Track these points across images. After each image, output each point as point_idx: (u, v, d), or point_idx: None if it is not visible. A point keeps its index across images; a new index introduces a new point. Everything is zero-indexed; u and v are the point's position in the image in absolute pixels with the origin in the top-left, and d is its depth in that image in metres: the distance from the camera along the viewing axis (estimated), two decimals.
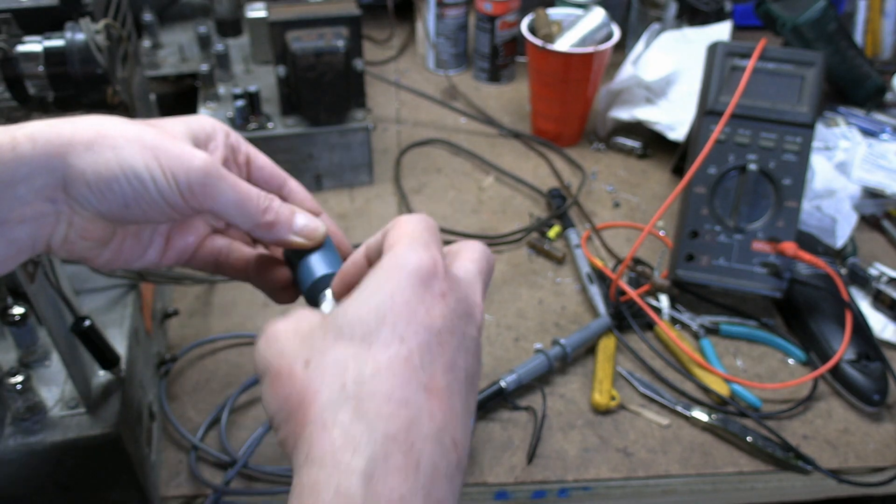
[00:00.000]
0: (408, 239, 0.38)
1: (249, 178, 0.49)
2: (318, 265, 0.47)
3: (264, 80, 1.06)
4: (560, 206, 1.00)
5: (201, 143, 0.45)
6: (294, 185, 0.51)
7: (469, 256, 0.42)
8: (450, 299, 0.37)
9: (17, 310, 0.59)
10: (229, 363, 0.80)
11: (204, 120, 0.46)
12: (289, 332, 0.39)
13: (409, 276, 0.36)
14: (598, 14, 1.07)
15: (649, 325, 0.85)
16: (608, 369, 0.79)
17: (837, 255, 0.93)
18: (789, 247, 0.81)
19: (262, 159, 0.49)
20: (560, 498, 0.73)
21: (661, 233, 0.98)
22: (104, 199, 0.40)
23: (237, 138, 0.48)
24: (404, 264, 0.37)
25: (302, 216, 0.46)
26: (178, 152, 0.41)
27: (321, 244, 0.47)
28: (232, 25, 1.15)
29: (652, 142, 1.11)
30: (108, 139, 0.40)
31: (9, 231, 0.39)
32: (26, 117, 0.42)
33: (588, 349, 0.83)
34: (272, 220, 0.44)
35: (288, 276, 0.49)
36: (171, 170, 0.40)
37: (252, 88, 0.96)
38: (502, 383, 0.76)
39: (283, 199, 0.49)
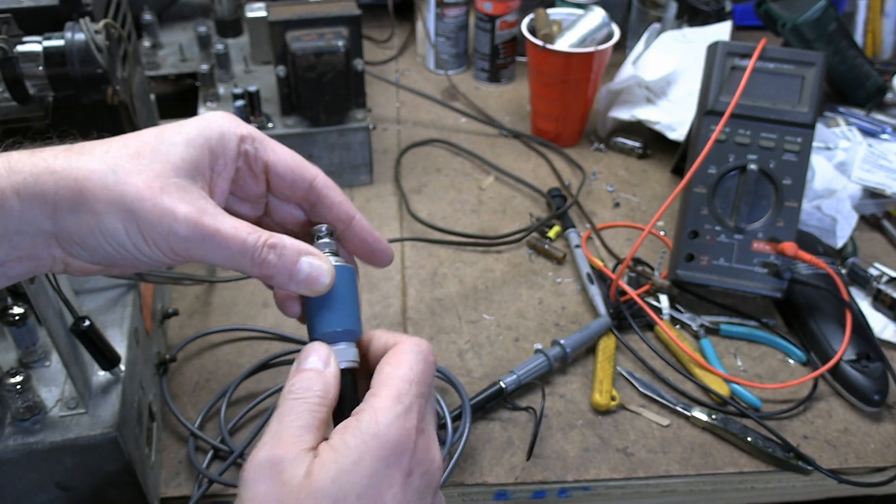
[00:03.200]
0: (394, 396, 0.40)
1: (269, 188, 0.46)
2: (323, 320, 0.44)
3: (264, 80, 1.06)
4: (560, 206, 1.00)
5: (205, 168, 0.42)
6: (322, 184, 0.47)
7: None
8: (416, 476, 0.39)
9: (17, 310, 0.59)
10: (229, 363, 0.80)
11: (213, 129, 0.43)
12: (265, 472, 0.39)
13: (379, 449, 0.38)
14: (598, 14, 1.07)
15: (649, 325, 0.85)
16: (608, 369, 0.79)
17: (837, 255, 0.93)
18: (789, 247, 0.81)
19: (282, 165, 0.45)
20: (560, 498, 0.73)
21: (661, 233, 0.97)
22: (95, 255, 0.40)
23: (255, 142, 0.44)
24: (379, 434, 0.39)
25: (307, 262, 0.42)
26: (159, 215, 0.39)
27: (328, 290, 0.44)
28: (232, 25, 1.15)
29: (652, 142, 1.11)
30: (88, 202, 0.38)
31: (8, 269, 0.40)
32: (13, 146, 0.41)
33: (588, 349, 0.83)
34: (269, 273, 0.41)
35: (298, 308, 0.48)
36: (152, 237, 0.39)
37: (252, 88, 0.96)
38: (502, 383, 0.76)
39: (310, 202, 0.47)
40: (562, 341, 0.80)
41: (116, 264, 0.41)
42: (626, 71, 1.08)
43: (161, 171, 0.40)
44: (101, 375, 0.61)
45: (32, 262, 0.40)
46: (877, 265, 0.88)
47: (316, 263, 0.42)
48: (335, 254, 0.46)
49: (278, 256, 0.41)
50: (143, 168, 0.39)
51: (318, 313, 0.44)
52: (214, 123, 0.43)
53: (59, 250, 0.40)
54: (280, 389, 0.75)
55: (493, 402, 0.76)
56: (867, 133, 1.09)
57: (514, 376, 0.77)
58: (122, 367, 0.61)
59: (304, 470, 0.38)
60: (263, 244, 0.41)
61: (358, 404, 0.41)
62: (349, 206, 0.48)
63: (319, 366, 0.43)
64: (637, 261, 0.90)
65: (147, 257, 0.40)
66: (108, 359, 0.59)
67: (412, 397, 0.41)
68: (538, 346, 0.81)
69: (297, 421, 0.40)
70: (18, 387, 0.55)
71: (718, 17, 1.17)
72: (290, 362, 0.79)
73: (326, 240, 0.46)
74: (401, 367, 0.42)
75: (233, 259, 0.41)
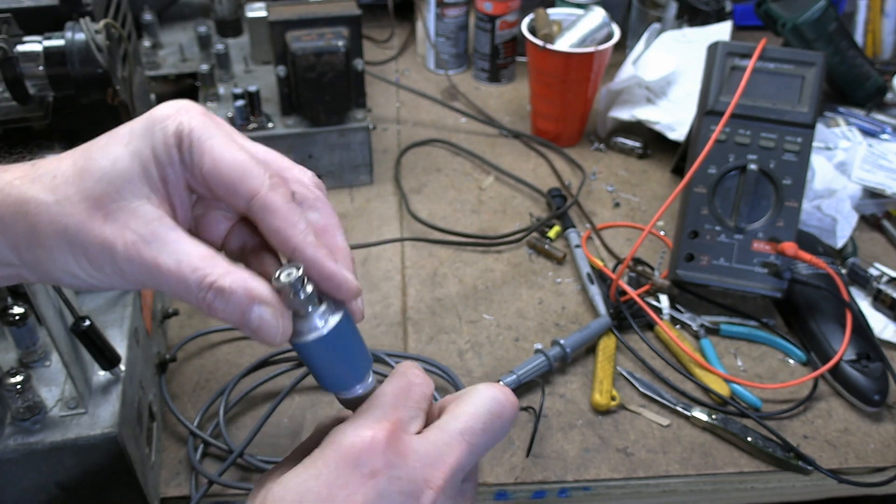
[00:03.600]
0: (364, 411, 0.40)
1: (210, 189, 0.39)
2: (325, 379, 0.41)
3: (264, 80, 1.06)
4: (560, 206, 1.00)
5: (156, 181, 0.37)
6: (260, 206, 0.38)
7: (464, 410, 0.40)
8: (381, 479, 0.37)
9: (17, 309, 0.59)
10: (229, 363, 0.80)
11: (156, 134, 0.37)
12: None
13: (338, 457, 0.37)
14: (598, 14, 1.07)
15: (649, 325, 0.85)
16: (608, 369, 0.79)
17: (837, 255, 0.93)
18: (789, 247, 0.81)
19: (215, 175, 0.37)
20: (560, 498, 0.73)
21: (661, 233, 0.97)
22: (64, 283, 0.39)
23: (191, 146, 0.37)
24: (339, 442, 0.38)
25: (257, 315, 0.36)
26: (100, 247, 0.36)
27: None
28: (232, 25, 1.15)
29: (652, 142, 1.11)
30: (40, 237, 0.37)
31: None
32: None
33: (588, 349, 0.83)
34: (218, 317, 0.36)
35: None
36: (102, 268, 0.37)
37: (252, 88, 0.96)
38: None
39: (253, 216, 0.38)
40: (562, 341, 0.80)
41: (91, 289, 0.41)
42: (626, 71, 1.08)
43: (104, 192, 0.36)
44: (102, 375, 0.61)
45: (12, 279, 0.40)
46: (877, 265, 0.88)
47: (266, 318, 0.36)
48: (311, 300, 0.38)
49: (226, 302, 0.36)
50: (88, 192, 0.36)
51: (317, 372, 0.41)
52: (158, 125, 0.38)
53: (33, 277, 0.39)
54: (279, 389, 0.76)
55: None
56: (867, 133, 1.09)
57: (514, 376, 0.77)
58: (122, 367, 0.61)
59: (278, 485, 0.38)
60: (209, 287, 0.36)
61: None
62: (294, 234, 0.38)
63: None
64: (637, 261, 0.90)
65: (112, 285, 0.38)
66: (108, 359, 0.59)
67: (384, 409, 0.39)
68: (538, 346, 0.81)
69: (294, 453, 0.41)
70: (18, 387, 0.55)
71: (718, 17, 1.17)
72: (288, 360, 0.79)
73: (294, 293, 0.37)
74: (378, 391, 0.42)
75: (181, 296, 0.36)
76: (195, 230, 0.41)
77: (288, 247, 0.38)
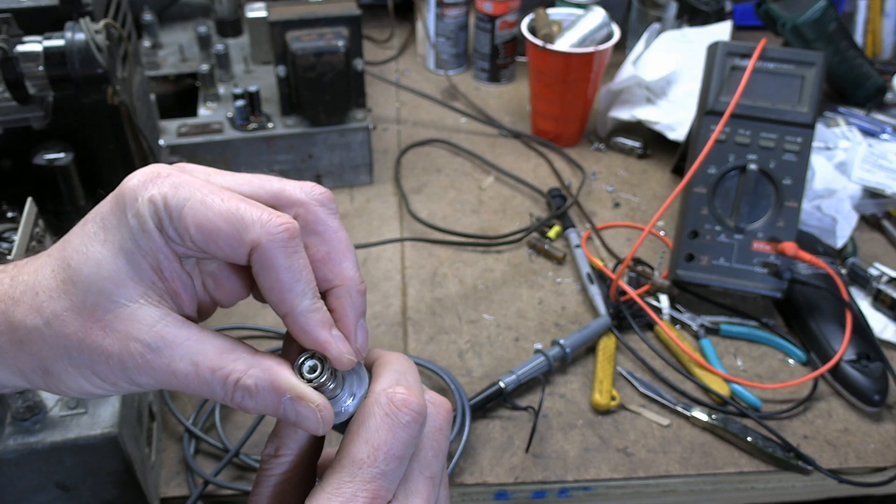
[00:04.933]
0: (333, 487, 0.35)
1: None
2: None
3: (264, 80, 1.06)
4: (560, 206, 1.00)
5: (149, 273, 0.34)
6: (260, 260, 0.34)
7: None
8: None
9: None
10: None
11: (130, 222, 0.33)
12: None
13: None
14: (598, 14, 1.07)
15: (649, 325, 0.85)
16: (608, 369, 0.79)
17: (837, 255, 0.93)
18: (789, 247, 0.81)
19: (204, 237, 0.33)
20: (560, 498, 0.73)
21: (661, 233, 0.97)
22: (88, 396, 0.37)
23: (171, 213, 0.33)
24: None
25: (292, 409, 0.35)
26: (106, 361, 0.34)
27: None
28: (232, 25, 1.15)
29: (652, 142, 1.11)
30: (42, 363, 0.34)
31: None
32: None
33: (588, 349, 0.83)
34: (246, 406, 0.35)
35: None
36: (114, 382, 0.34)
37: (252, 88, 0.96)
38: (502, 383, 0.76)
39: (253, 270, 0.35)
40: (562, 341, 0.80)
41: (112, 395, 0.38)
42: (626, 71, 1.08)
43: (96, 304, 0.33)
44: None
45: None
46: (877, 265, 0.88)
47: (304, 412, 0.35)
48: (338, 385, 0.37)
49: (255, 401, 0.34)
50: (78, 306, 0.33)
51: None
52: (129, 210, 0.33)
53: (49, 390, 0.37)
54: None
55: (493, 402, 0.76)
56: (867, 133, 1.09)
57: (514, 376, 0.77)
58: None
59: None
60: (234, 386, 0.34)
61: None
62: (288, 299, 0.35)
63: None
64: (637, 261, 0.90)
65: (134, 391, 0.36)
66: None
67: (358, 484, 0.34)
68: (538, 346, 0.81)
69: (257, 498, 0.38)
70: None
71: (718, 17, 1.17)
72: None
73: (321, 388, 0.36)
74: (357, 439, 0.35)
75: (207, 396, 0.35)
76: (214, 289, 0.38)
77: (280, 311, 0.36)
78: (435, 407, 0.39)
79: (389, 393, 0.36)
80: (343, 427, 0.38)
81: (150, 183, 0.33)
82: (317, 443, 0.39)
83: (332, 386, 0.36)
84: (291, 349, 0.37)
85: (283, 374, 0.35)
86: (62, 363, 0.34)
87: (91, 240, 0.34)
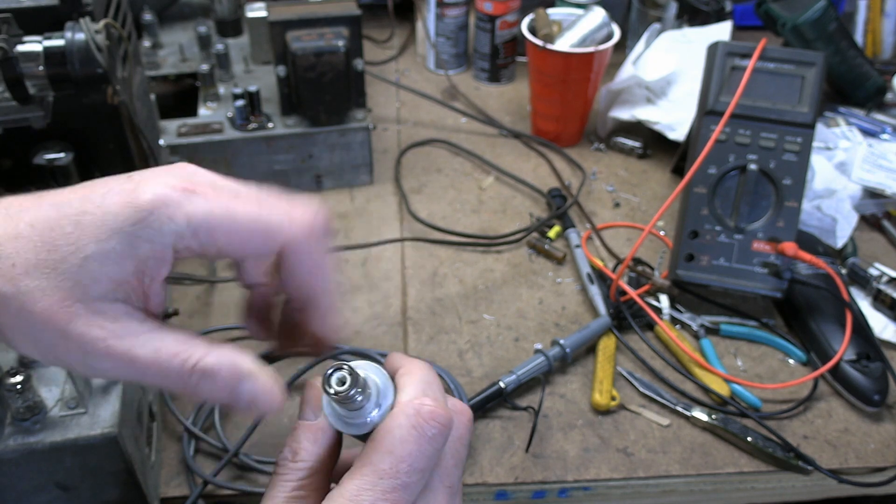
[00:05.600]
0: (351, 495, 0.35)
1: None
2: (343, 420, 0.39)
3: (264, 80, 1.06)
4: (560, 206, 1.00)
5: (129, 280, 0.35)
6: (294, 252, 0.37)
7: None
8: None
9: None
10: None
11: (142, 238, 0.34)
12: None
13: None
14: (598, 14, 1.07)
15: (649, 325, 0.85)
16: (608, 369, 0.79)
17: (837, 255, 0.93)
18: (789, 247, 0.81)
19: (237, 245, 0.36)
20: (560, 498, 0.73)
21: (661, 233, 0.97)
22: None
23: (201, 234, 0.35)
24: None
25: (247, 389, 0.36)
26: (66, 346, 0.34)
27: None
28: (232, 25, 1.15)
29: (652, 142, 1.11)
30: (5, 331, 0.35)
31: None
32: None
33: (588, 349, 0.83)
34: (205, 399, 0.37)
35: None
36: (73, 366, 0.36)
37: (252, 88, 0.96)
38: (502, 383, 0.76)
39: (282, 262, 0.38)
40: (562, 341, 0.80)
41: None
42: (626, 71, 1.08)
43: (71, 290, 0.34)
44: None
45: None
46: (877, 265, 0.88)
47: (257, 392, 0.36)
48: (365, 397, 0.37)
49: (213, 382, 0.36)
50: (53, 286, 0.34)
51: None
52: (147, 229, 0.34)
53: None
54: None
55: (493, 402, 0.76)
56: (867, 133, 1.09)
57: (514, 376, 0.77)
58: None
59: None
60: (191, 369, 0.35)
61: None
62: (316, 284, 0.38)
63: (311, 417, 0.38)
64: (637, 261, 0.90)
65: (89, 375, 0.38)
66: None
67: (378, 493, 0.34)
68: (538, 346, 0.81)
69: (273, 502, 0.37)
70: (18, 386, 0.55)
71: (718, 17, 1.17)
72: (285, 357, 0.79)
73: (349, 400, 0.36)
74: (381, 449, 0.35)
75: (161, 384, 0.36)
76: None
77: (302, 300, 0.39)
78: (457, 415, 0.38)
79: (416, 405, 0.36)
80: (367, 437, 0.37)
81: (171, 202, 0.34)
82: (335, 450, 0.39)
83: (359, 399, 0.36)
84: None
85: (243, 356, 0.36)
86: (20, 332, 0.35)
87: (87, 235, 0.34)
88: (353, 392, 0.36)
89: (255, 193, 0.37)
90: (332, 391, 0.35)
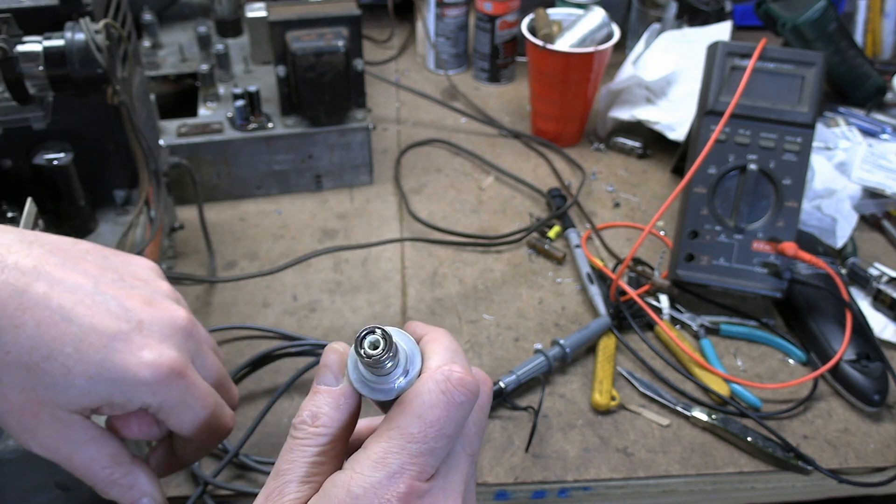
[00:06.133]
0: (378, 458, 0.36)
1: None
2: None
3: (264, 80, 1.06)
4: (560, 206, 1.00)
5: (93, 408, 0.41)
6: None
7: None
8: None
9: None
10: (229, 362, 0.80)
11: (122, 390, 0.40)
12: None
13: None
14: (598, 14, 1.07)
15: (649, 325, 0.85)
16: (608, 369, 0.79)
17: (837, 255, 0.93)
18: (789, 247, 0.81)
19: (185, 433, 0.44)
20: (560, 498, 0.73)
21: (661, 233, 0.98)
22: None
23: (161, 413, 0.42)
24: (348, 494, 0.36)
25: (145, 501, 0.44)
26: (19, 433, 0.40)
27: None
28: (232, 25, 1.15)
29: (652, 142, 1.11)
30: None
31: None
32: None
33: (588, 349, 0.83)
34: (113, 496, 0.43)
35: None
36: (23, 443, 0.41)
37: (252, 88, 0.96)
38: (501, 384, 0.76)
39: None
40: (561, 341, 0.80)
41: None
42: (626, 71, 1.08)
43: (41, 400, 0.39)
44: None
45: None
46: (877, 265, 0.88)
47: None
48: (395, 363, 0.37)
49: (121, 495, 0.43)
50: (30, 390, 0.38)
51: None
52: (131, 392, 0.40)
53: None
54: (276, 388, 0.76)
55: (493, 402, 0.76)
56: (867, 133, 1.09)
57: (514, 376, 0.77)
58: None
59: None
60: (113, 482, 0.43)
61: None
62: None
63: (332, 382, 0.39)
64: (637, 261, 0.90)
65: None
66: None
67: (406, 457, 0.35)
68: (538, 346, 0.81)
69: (289, 474, 0.37)
70: None
71: (718, 17, 1.17)
72: (284, 356, 0.79)
73: (379, 364, 0.36)
74: (410, 413, 0.36)
75: (85, 480, 0.43)
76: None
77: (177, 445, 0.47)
78: (480, 384, 0.39)
79: (446, 371, 0.37)
80: (389, 405, 0.38)
81: (160, 380, 0.40)
82: (355, 417, 0.40)
83: (388, 365, 0.36)
84: None
85: (152, 482, 0.45)
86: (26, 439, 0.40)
87: (81, 365, 0.38)
88: (385, 356, 0.36)
89: (217, 391, 0.44)
90: (363, 353, 0.35)
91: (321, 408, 0.38)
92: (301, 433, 0.38)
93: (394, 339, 0.36)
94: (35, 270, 0.38)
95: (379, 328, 0.36)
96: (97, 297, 0.39)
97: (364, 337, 0.36)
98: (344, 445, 0.39)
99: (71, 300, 0.38)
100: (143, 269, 0.44)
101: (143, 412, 0.43)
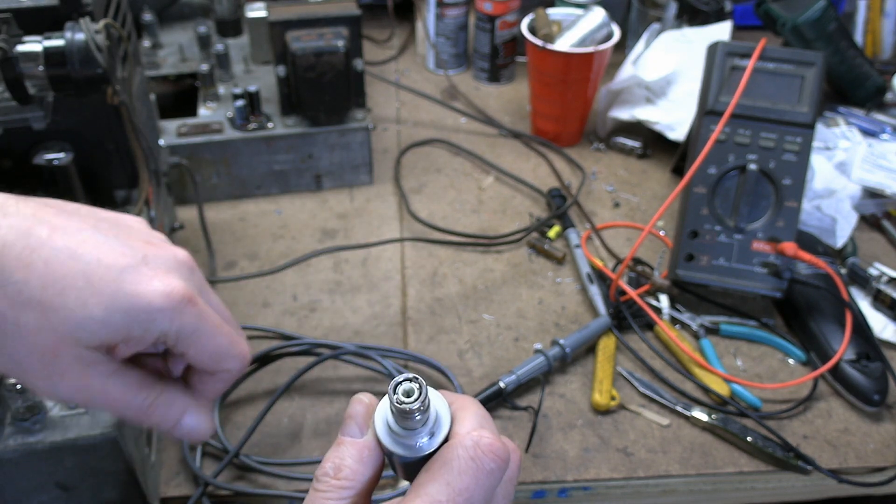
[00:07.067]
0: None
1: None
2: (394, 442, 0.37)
3: (264, 80, 1.06)
4: (560, 206, 1.00)
5: (114, 342, 0.39)
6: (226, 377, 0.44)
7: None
8: None
9: None
10: None
11: (140, 320, 0.38)
12: None
13: None
14: (598, 14, 1.07)
15: (649, 325, 0.85)
16: (608, 369, 0.79)
17: (837, 255, 0.93)
18: (789, 247, 0.81)
19: (199, 363, 0.43)
20: (560, 498, 0.73)
21: (661, 233, 0.98)
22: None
23: (178, 340, 0.40)
24: None
25: (191, 418, 0.43)
26: (45, 381, 0.39)
27: None
28: (232, 25, 1.15)
29: (652, 142, 1.11)
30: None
31: None
32: None
33: (588, 349, 0.83)
34: (154, 427, 0.43)
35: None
36: (44, 392, 0.40)
37: (252, 88, 0.96)
38: (502, 384, 0.76)
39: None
40: (561, 341, 0.80)
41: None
42: (626, 71, 1.08)
43: (61, 338, 0.38)
44: None
45: None
46: (877, 265, 0.88)
47: (198, 417, 0.43)
48: (424, 419, 0.36)
49: (163, 415, 0.42)
50: (50, 328, 0.37)
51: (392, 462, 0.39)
52: (148, 322, 0.39)
53: None
54: (276, 388, 0.76)
55: (493, 402, 0.76)
56: (867, 133, 1.09)
57: (514, 376, 0.77)
58: None
59: None
60: (150, 406, 0.42)
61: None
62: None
63: (356, 433, 0.38)
64: (637, 261, 0.90)
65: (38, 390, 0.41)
66: None
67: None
68: (538, 345, 0.81)
69: None
70: (19, 387, 0.55)
71: (718, 17, 1.17)
72: (284, 356, 0.79)
73: (414, 406, 0.35)
74: (439, 479, 0.35)
75: (122, 414, 0.42)
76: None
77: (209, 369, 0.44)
78: (510, 453, 0.38)
79: (475, 437, 0.35)
80: (413, 466, 0.36)
81: (174, 312, 0.39)
82: (380, 472, 0.38)
83: (418, 417, 0.35)
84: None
85: (186, 397, 0.44)
86: (5, 358, 0.38)
87: (96, 296, 0.38)
88: (417, 407, 0.35)
89: (227, 324, 0.45)
90: (396, 399, 0.35)
91: (344, 459, 0.37)
92: (323, 485, 0.37)
93: (428, 394, 0.36)
94: (35, 217, 0.39)
95: (418, 378, 0.35)
96: (99, 237, 0.39)
97: (400, 383, 0.35)
98: (367, 500, 0.38)
99: (75, 240, 0.38)
100: (136, 221, 0.43)
101: (155, 356, 0.43)
